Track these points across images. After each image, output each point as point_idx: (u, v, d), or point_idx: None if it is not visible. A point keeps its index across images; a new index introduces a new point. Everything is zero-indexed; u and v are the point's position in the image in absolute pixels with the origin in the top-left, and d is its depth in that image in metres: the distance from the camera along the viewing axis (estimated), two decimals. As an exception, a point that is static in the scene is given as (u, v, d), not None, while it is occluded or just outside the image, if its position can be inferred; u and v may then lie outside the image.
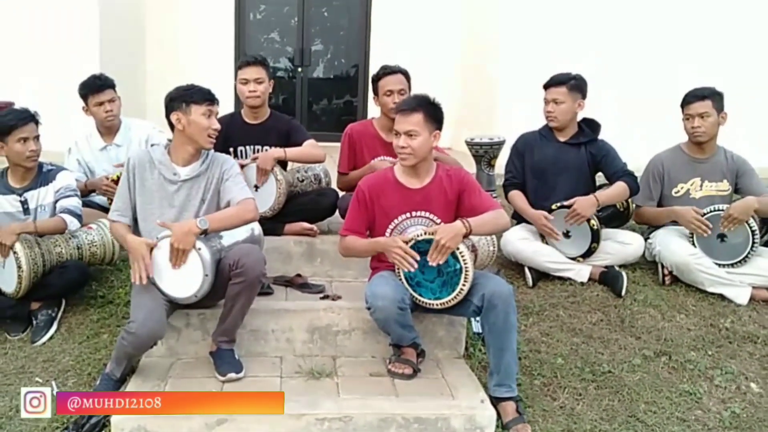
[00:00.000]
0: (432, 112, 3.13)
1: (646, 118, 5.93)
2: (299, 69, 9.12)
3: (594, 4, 6.79)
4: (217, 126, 3.16)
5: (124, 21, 7.71)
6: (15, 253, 3.31)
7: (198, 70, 7.97)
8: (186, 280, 2.97)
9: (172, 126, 3.17)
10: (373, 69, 7.26)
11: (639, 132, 5.76)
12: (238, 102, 8.42)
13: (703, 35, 6.71)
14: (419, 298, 3.06)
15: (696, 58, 6.47)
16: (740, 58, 6.71)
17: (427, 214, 3.16)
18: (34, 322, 3.48)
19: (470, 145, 5.27)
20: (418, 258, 2.95)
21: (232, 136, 3.96)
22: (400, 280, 3.06)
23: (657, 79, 6.31)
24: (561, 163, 4.00)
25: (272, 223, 3.89)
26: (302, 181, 4.11)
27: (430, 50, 8.68)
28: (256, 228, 3.35)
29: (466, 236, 2.93)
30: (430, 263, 2.92)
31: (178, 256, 2.90)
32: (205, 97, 3.12)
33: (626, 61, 6.60)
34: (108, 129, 4.21)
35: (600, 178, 4.16)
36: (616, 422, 3.05)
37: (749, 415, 3.16)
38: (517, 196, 4.06)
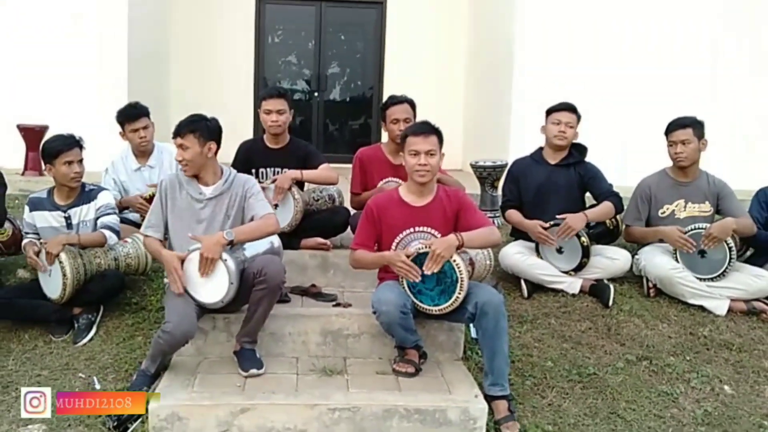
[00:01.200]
0: (440, 136, 3.54)
1: (639, 143, 6.31)
2: (316, 94, 9.51)
3: (597, 39, 7.26)
4: (180, 158, 3.47)
5: (150, 48, 8.20)
6: (60, 262, 3.69)
7: (220, 94, 8.47)
8: (214, 288, 3.35)
9: None
10: (388, 91, 7.71)
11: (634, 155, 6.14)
12: (257, 124, 8.87)
13: (689, 70, 7.21)
14: (420, 304, 3.41)
15: (682, 89, 6.90)
16: (725, 89, 7.14)
17: (429, 230, 3.52)
18: (76, 325, 3.85)
19: (475, 167, 5.66)
20: (419, 270, 3.32)
21: (254, 159, 4.37)
22: (403, 288, 3.43)
23: (648, 109, 6.72)
24: (553, 184, 4.35)
25: (289, 239, 4.26)
26: (317, 200, 4.50)
27: (442, 74, 9.11)
28: (276, 241, 3.73)
29: (459, 248, 3.29)
30: (425, 271, 3.28)
31: (206, 265, 3.28)
32: (176, 131, 3.48)
33: (620, 92, 7.10)
34: (142, 152, 4.62)
35: (588, 199, 4.50)
36: (598, 418, 3.38)
37: (720, 413, 3.48)
38: (513, 213, 4.42)
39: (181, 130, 3.45)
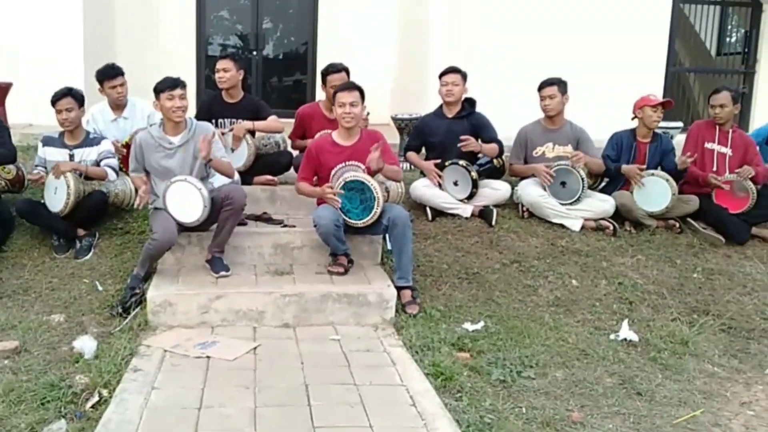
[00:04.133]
0: (362, 93, 4.66)
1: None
2: (254, 52, 9.97)
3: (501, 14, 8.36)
4: (179, 104, 4.37)
5: (99, 16, 8.78)
6: (66, 178, 4.63)
7: (160, 55, 8.93)
8: (191, 210, 4.39)
9: None
10: (321, 48, 8.47)
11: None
12: (200, 77, 9.39)
13: (563, 41, 8.39)
14: (348, 220, 4.55)
15: (557, 57, 8.01)
16: (592, 59, 8.37)
17: (357, 163, 4.64)
18: (78, 245, 4.81)
19: (394, 119, 6.80)
20: (340, 201, 4.46)
21: (214, 111, 5.41)
22: (336, 208, 4.57)
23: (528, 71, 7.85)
24: (452, 134, 5.49)
25: (244, 176, 5.30)
26: (266, 145, 5.58)
27: (373, 34, 9.60)
28: (236, 176, 4.81)
29: (377, 172, 4.47)
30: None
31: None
32: (167, 85, 4.40)
33: (509, 56, 8.23)
34: (118, 105, 5.57)
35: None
36: (478, 302, 4.61)
37: (567, 298, 4.76)
38: (411, 154, 5.67)
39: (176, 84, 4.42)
